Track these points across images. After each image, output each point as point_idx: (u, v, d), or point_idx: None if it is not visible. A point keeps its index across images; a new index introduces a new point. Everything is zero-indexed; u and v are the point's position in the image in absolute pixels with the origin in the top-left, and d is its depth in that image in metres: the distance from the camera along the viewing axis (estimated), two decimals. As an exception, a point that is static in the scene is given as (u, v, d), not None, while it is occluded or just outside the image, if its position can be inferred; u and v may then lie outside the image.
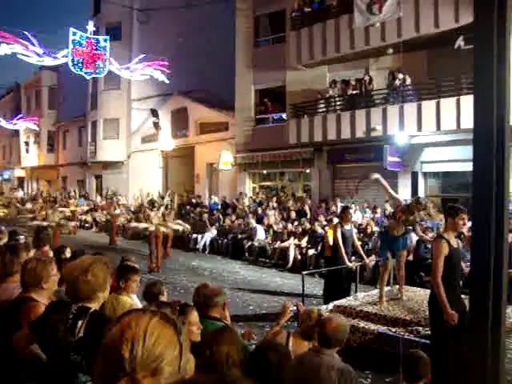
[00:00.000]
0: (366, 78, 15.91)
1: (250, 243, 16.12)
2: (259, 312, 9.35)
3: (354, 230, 10.17)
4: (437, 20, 13.65)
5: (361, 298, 8.28)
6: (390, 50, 15.41)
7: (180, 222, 15.50)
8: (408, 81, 14.72)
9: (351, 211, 10.10)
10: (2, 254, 3.97)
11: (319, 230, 14.27)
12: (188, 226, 16.09)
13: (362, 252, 9.68)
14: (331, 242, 9.51)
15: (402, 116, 14.38)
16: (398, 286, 8.23)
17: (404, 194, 15.33)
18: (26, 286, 3.36)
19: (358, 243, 9.86)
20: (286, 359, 2.88)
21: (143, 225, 14.58)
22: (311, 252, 13.97)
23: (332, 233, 9.58)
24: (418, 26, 14.03)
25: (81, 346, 2.45)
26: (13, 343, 2.86)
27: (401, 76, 14.75)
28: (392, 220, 8.19)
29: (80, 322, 2.53)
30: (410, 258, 11.86)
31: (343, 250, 8.99)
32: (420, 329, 6.56)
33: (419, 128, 14.11)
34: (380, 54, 15.89)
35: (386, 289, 8.53)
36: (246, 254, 16.10)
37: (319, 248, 13.74)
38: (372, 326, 6.94)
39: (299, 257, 14.24)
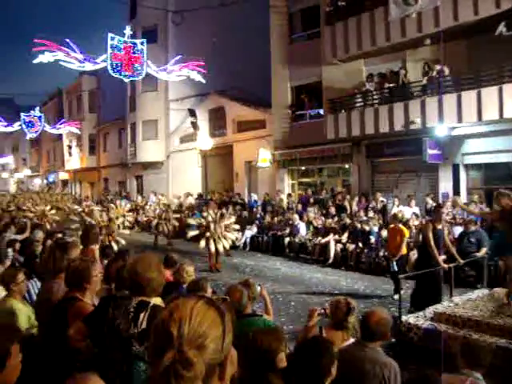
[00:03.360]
0: (402, 71, 15.68)
1: (290, 239, 16.18)
2: (300, 307, 9.40)
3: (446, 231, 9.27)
4: (476, 6, 13.19)
5: (461, 303, 7.42)
6: (428, 41, 15.04)
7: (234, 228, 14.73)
8: (446, 71, 14.38)
9: (444, 210, 9.25)
10: (52, 252, 4.17)
11: (358, 226, 14.24)
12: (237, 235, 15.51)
13: (454, 252, 9.00)
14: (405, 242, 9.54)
15: (441, 108, 14.06)
16: (503, 290, 7.48)
17: (445, 187, 15.07)
18: (70, 285, 3.52)
19: (450, 243, 9.20)
20: (331, 353, 2.91)
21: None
22: (351, 247, 13.92)
23: (407, 233, 9.52)
24: (457, 14, 13.62)
25: (144, 336, 2.59)
26: (69, 338, 2.99)
27: (438, 67, 14.42)
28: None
29: (142, 315, 2.69)
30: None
31: (436, 252, 8.34)
32: None
33: (459, 119, 13.76)
34: (417, 46, 15.58)
35: (484, 291, 8.17)
36: (287, 251, 16.19)
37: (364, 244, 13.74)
38: (488, 339, 5.84)
39: (340, 252, 14.22)
